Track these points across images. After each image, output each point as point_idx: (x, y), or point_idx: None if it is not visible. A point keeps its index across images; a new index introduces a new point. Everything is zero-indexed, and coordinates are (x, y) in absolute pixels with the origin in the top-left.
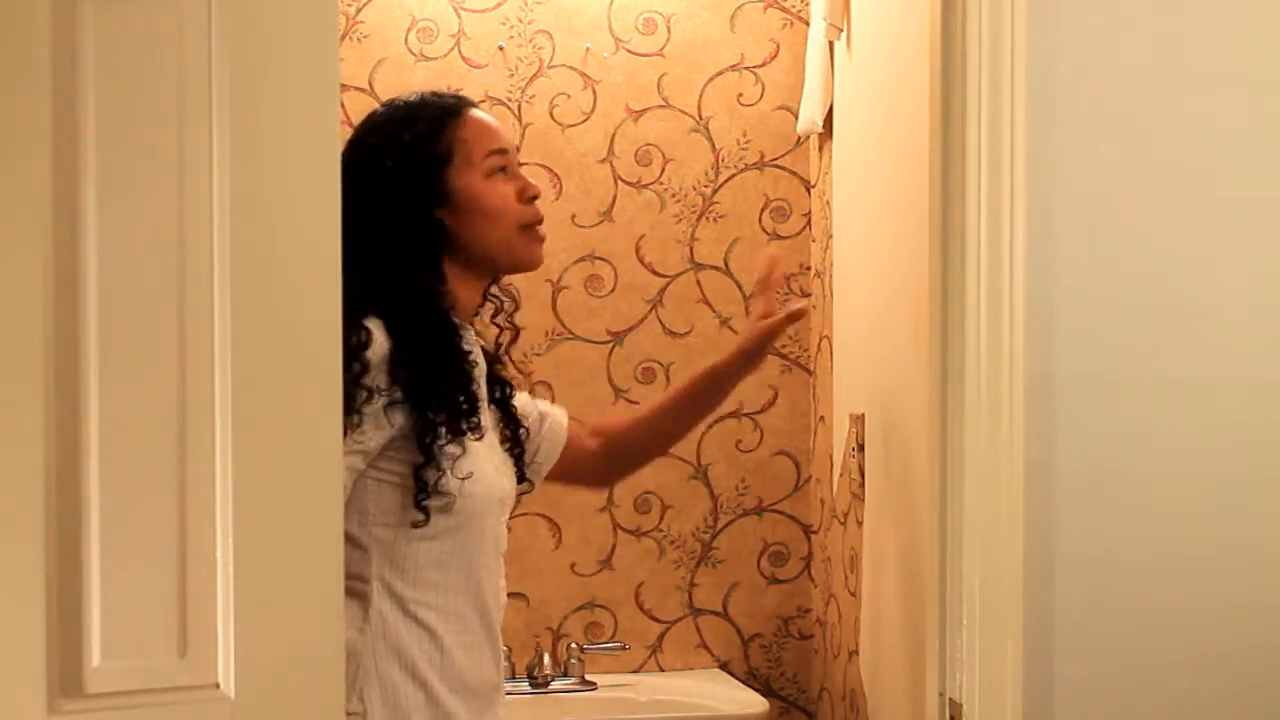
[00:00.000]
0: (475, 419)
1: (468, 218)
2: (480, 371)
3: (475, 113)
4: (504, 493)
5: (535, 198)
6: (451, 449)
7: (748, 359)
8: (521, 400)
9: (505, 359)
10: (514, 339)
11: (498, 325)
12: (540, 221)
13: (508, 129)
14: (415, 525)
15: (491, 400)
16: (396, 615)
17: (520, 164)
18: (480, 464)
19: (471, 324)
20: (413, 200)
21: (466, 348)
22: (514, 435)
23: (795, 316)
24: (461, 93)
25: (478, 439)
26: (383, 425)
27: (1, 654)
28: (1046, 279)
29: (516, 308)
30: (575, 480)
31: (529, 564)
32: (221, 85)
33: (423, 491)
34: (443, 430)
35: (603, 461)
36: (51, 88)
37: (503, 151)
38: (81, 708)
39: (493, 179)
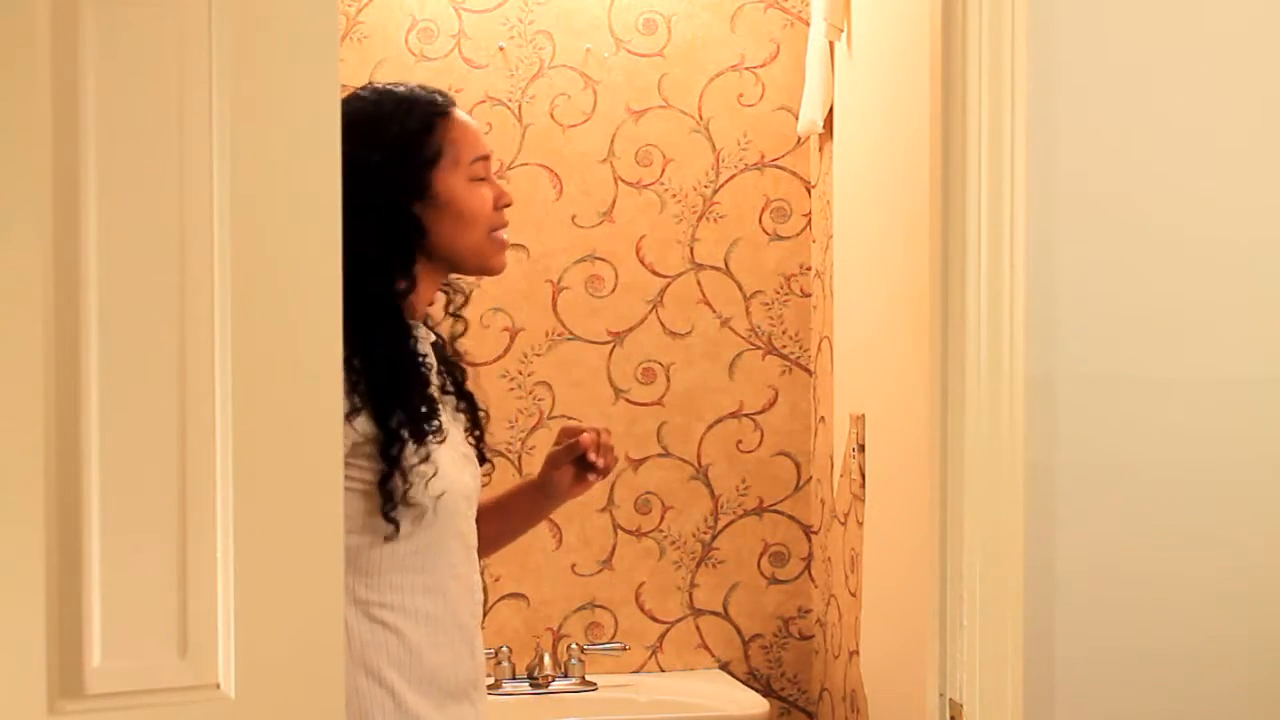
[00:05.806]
0: (436, 422)
1: (445, 218)
2: (433, 369)
3: (460, 114)
4: (468, 488)
5: (508, 205)
6: (415, 458)
7: (545, 497)
8: None
9: (457, 352)
10: (463, 331)
11: (453, 315)
12: (506, 228)
13: (503, 130)
14: (386, 539)
15: (445, 389)
16: (360, 622)
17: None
18: (444, 467)
19: (423, 321)
20: (395, 194)
21: (421, 350)
22: (474, 418)
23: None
24: (443, 90)
25: (440, 442)
26: (343, 435)
27: (1, 654)
28: (1047, 278)
29: (466, 301)
30: None
31: (529, 564)
32: (221, 85)
33: (389, 502)
34: (406, 436)
35: None
36: (51, 87)
37: (486, 158)
38: (82, 708)
39: (475, 184)
